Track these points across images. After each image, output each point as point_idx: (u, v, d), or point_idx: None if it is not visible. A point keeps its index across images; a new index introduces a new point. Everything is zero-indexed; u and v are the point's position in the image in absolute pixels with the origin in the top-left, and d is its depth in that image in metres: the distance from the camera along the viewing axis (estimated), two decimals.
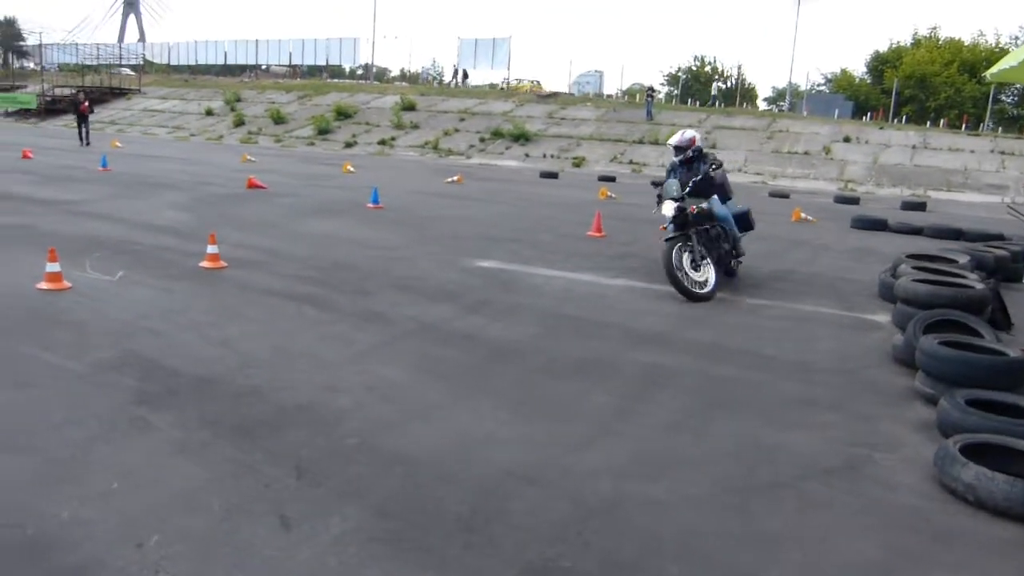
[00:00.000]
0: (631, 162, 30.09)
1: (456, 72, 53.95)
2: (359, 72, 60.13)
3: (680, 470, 3.66)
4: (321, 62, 57.09)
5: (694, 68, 58.91)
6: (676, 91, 53.21)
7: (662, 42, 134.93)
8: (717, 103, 45.34)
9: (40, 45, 66.95)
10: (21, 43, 72.79)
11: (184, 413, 4.02)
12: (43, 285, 6.38)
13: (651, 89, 40.10)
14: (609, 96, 49.24)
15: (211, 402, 4.19)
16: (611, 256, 9.62)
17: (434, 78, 60.86)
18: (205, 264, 7.59)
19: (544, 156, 31.49)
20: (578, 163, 30.05)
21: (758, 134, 32.32)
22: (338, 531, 2.96)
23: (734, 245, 8.17)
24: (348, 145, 35.18)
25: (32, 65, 68.91)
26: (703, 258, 7.51)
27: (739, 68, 56.42)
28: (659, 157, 30.21)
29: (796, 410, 4.57)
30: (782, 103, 51.88)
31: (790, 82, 49.76)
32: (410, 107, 39.66)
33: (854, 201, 20.38)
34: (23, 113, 49.66)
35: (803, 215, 14.92)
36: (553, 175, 24.63)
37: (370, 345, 5.43)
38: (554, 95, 42.91)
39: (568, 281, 7.99)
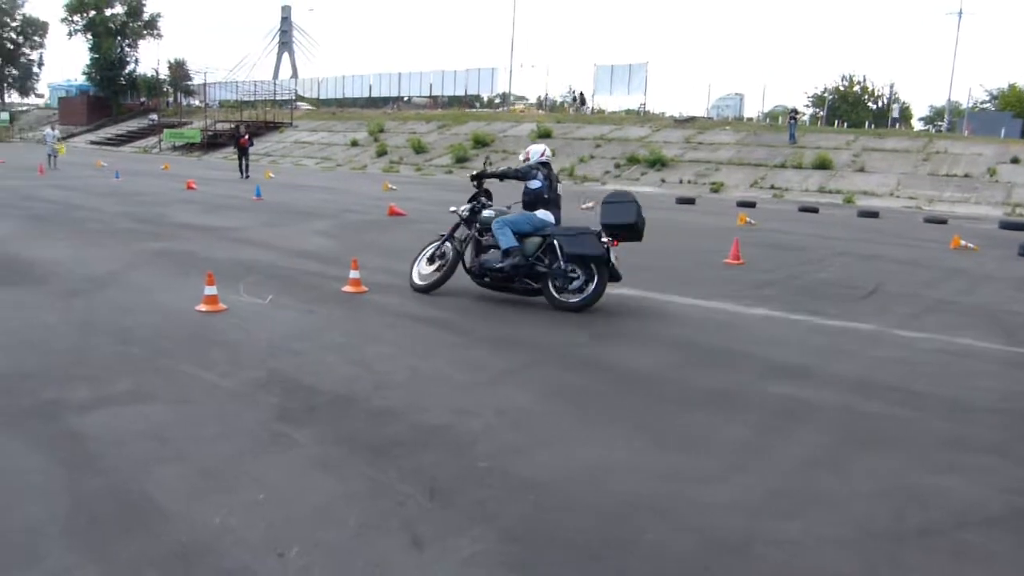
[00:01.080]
0: (772, 187, 29.16)
1: (574, 98, 54.33)
2: (496, 101, 61.48)
3: (819, 510, 3.49)
4: (460, 92, 58.84)
5: (841, 88, 56.67)
6: (822, 112, 51.27)
7: (806, 62, 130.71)
8: (868, 124, 43.32)
9: (204, 84, 72.43)
10: (189, 82, 78.89)
11: (323, 430, 4.21)
12: (202, 307, 6.85)
13: (794, 111, 38.81)
14: (749, 119, 48.09)
15: (349, 420, 4.37)
16: (750, 284, 9.34)
17: (569, 105, 61.34)
18: (347, 288, 7.93)
19: (681, 181, 31.06)
20: (716, 188, 29.43)
21: (912, 156, 30.60)
22: (468, 553, 3.00)
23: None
24: None
25: (197, 102, 74.60)
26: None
27: (891, 87, 53.69)
28: (803, 181, 29.17)
29: (952, 452, 4.26)
30: (940, 123, 49.03)
31: (949, 100, 47.03)
32: (546, 134, 40.14)
33: (1022, 228, 18.88)
34: (189, 147, 53.76)
35: (963, 242, 13.98)
36: (690, 201, 24.21)
37: (502, 370, 5.51)
38: (691, 119, 42.31)
39: (704, 309, 7.82)
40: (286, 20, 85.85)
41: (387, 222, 15.01)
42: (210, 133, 54.63)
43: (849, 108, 53.55)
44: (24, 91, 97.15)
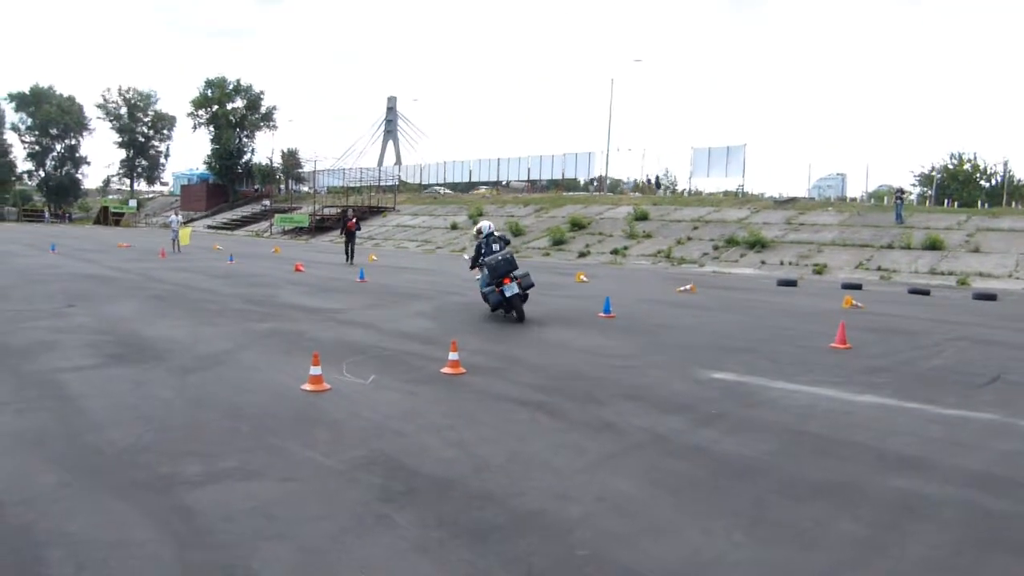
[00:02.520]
0: (879, 268, 28.20)
1: (649, 181, 54.60)
2: (593, 184, 62.27)
3: None
4: (558, 176, 59.91)
5: (950, 166, 54.84)
6: (930, 191, 49.66)
7: (911, 140, 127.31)
8: (981, 203, 41.62)
9: (314, 171, 76.27)
10: (299, 170, 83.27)
11: (423, 512, 4.22)
12: (307, 387, 7.06)
13: (900, 190, 37.74)
14: (853, 199, 46.99)
15: (448, 503, 4.37)
16: (858, 370, 8.97)
17: (666, 187, 61.49)
18: (446, 370, 8.04)
19: (782, 263, 30.43)
20: (819, 270, 28.67)
21: None
22: None
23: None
24: (582, 255, 36.19)
25: (306, 188, 78.50)
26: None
27: (1005, 163, 51.47)
28: (912, 263, 28.12)
29: None
30: None
31: None
32: (643, 217, 40.27)
33: None
34: (297, 231, 56.31)
35: None
36: (792, 283, 23.63)
37: (601, 455, 5.43)
38: (792, 200, 41.69)
39: (809, 396, 7.54)
40: (391, 110, 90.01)
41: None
42: (318, 218, 57.21)
43: (959, 186, 51.60)
44: (151, 180, 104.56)
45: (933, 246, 29.22)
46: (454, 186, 68.49)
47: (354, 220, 29.18)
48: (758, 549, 3.89)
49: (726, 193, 49.29)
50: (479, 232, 13.11)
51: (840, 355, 10.05)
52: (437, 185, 65.58)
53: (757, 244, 32.81)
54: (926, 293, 21.45)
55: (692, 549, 3.85)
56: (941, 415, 6.85)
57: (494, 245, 12.84)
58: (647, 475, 5.00)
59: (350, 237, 28.13)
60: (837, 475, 5.09)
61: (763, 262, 31.05)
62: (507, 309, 12.40)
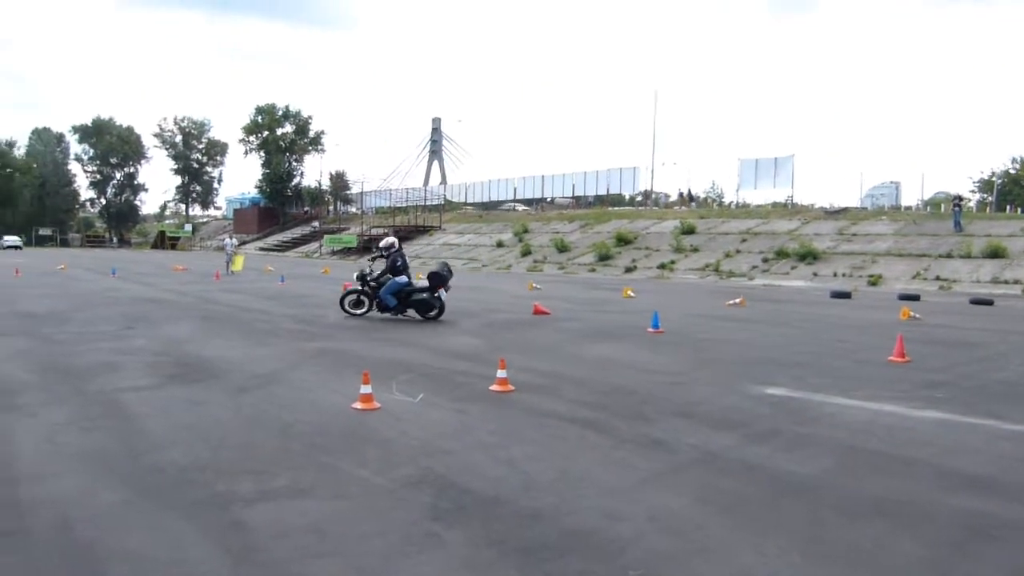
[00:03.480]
0: (938, 278, 27.49)
1: (682, 195, 54.17)
2: (638, 199, 61.97)
3: None
4: (602, 191, 59.76)
5: (1012, 171, 53.30)
6: (990, 198, 48.30)
7: (970, 146, 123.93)
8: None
9: (361, 192, 77.36)
10: (347, 192, 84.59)
11: (473, 531, 4.22)
12: (357, 405, 7.12)
13: (958, 198, 36.77)
14: (908, 208, 45.95)
15: (497, 521, 4.36)
16: (918, 384, 8.73)
17: (711, 199, 60.92)
18: (495, 388, 8.04)
19: (834, 275, 29.87)
20: (874, 281, 28.06)
21: None
22: None
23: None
24: (628, 270, 36.01)
25: (354, 209, 79.65)
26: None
27: None
28: (973, 272, 27.38)
29: None
30: None
31: None
32: (690, 231, 39.93)
33: None
34: (346, 251, 57.11)
35: None
36: (845, 295, 23.17)
37: (651, 472, 5.37)
38: (843, 210, 40.94)
39: (866, 411, 7.36)
40: (436, 131, 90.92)
41: (532, 321, 15.23)
42: (365, 238, 57.97)
43: (1022, 191, 50.12)
44: (205, 204, 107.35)
45: (995, 254, 28.39)
46: (498, 204, 68.71)
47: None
48: (815, 569, 3.79)
49: (775, 205, 48.63)
50: (391, 246, 15.24)
51: (899, 369, 9.80)
52: (510, 201, 65.47)
53: (808, 256, 32.27)
54: (989, 303, 20.82)
55: (746, 569, 3.77)
56: (1009, 431, 6.63)
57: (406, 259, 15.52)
58: (699, 493, 4.92)
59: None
60: (898, 493, 4.94)
61: (815, 274, 30.51)
62: (424, 311, 14.82)
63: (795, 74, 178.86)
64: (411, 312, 15.01)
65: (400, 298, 14.79)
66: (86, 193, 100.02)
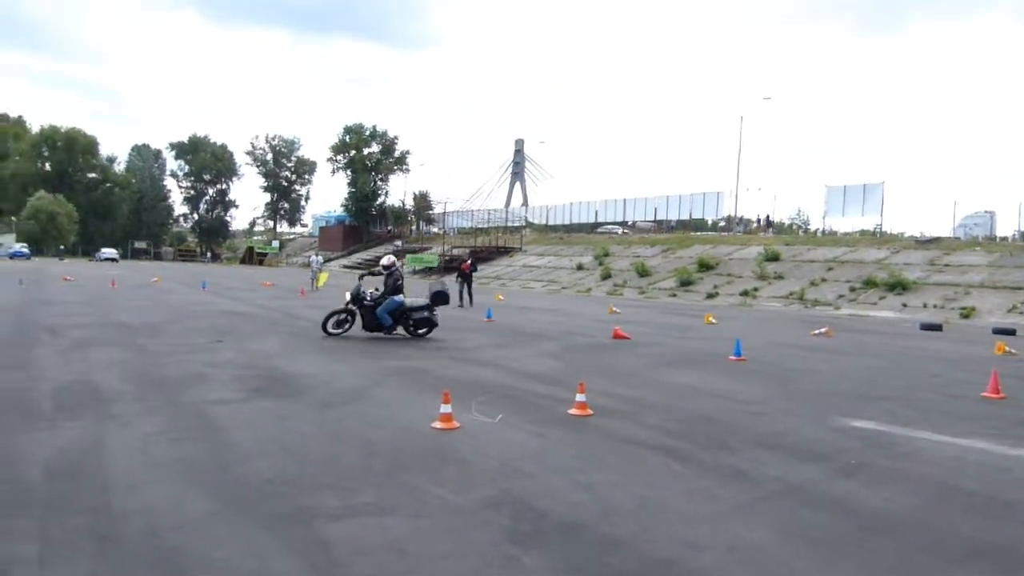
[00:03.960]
0: None
1: (759, 220, 52.85)
2: (721, 224, 61.06)
3: None
4: (685, 216, 59.17)
5: None
6: None
7: None
8: None
9: (444, 212, 78.51)
10: (430, 211, 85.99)
11: (552, 556, 4.22)
12: (437, 424, 7.21)
13: None
14: (1003, 239, 43.94)
15: (577, 547, 4.35)
16: (1014, 421, 8.33)
17: (798, 227, 59.56)
18: (574, 411, 8.02)
19: (924, 306, 28.78)
20: (967, 314, 26.91)
21: None
22: None
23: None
24: (710, 296, 35.46)
25: (436, 229, 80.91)
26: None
27: None
28: None
29: None
30: None
31: None
32: (774, 257, 39.13)
33: None
34: (427, 271, 57.94)
35: None
36: (936, 327, 22.29)
37: (733, 503, 5.27)
38: (935, 240, 39.47)
39: (958, 448, 7.06)
40: (519, 152, 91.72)
41: (611, 345, 15.15)
42: (446, 258, 58.76)
43: None
44: (292, 221, 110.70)
45: None
46: (580, 227, 68.73)
47: (469, 262, 28.14)
48: None
49: (863, 233, 47.26)
50: (392, 264, 15.16)
51: (993, 405, 9.37)
52: (609, 224, 65.27)
53: (897, 286, 31.22)
54: None
55: None
56: None
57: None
58: (782, 526, 4.81)
59: (466, 280, 26.58)
60: (994, 535, 4.73)
61: (904, 305, 29.46)
62: (416, 329, 15.10)
63: (885, 98, 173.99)
64: (399, 329, 15.07)
65: (395, 316, 14.84)
66: (180, 208, 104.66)
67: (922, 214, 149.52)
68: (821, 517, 5.04)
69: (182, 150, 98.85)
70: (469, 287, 26.46)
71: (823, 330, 19.30)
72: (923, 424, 8.07)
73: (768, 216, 54.50)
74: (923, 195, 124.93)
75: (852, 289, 32.65)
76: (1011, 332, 20.78)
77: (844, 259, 37.31)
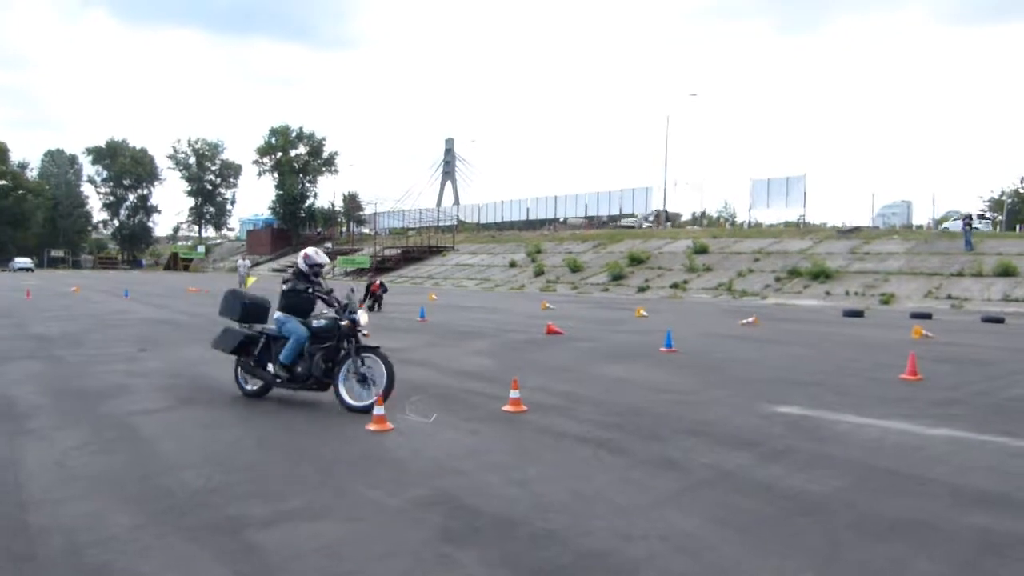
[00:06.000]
0: (949, 297, 27.38)
1: (658, 214, 54.22)
2: (648, 220, 62.04)
3: None
4: (615, 212, 59.90)
5: (1021, 190, 53.13)
6: (1001, 217, 48.10)
7: (980, 165, 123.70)
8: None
9: (374, 213, 77.79)
10: (360, 212, 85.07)
11: (486, 552, 4.21)
12: (371, 426, 7.13)
13: (969, 217, 36.72)
14: (919, 227, 45.77)
15: (511, 542, 4.35)
16: (930, 402, 8.68)
17: (726, 219, 60.94)
18: (508, 408, 8.03)
19: (847, 294, 29.79)
20: (886, 300, 27.96)
21: None
22: None
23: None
24: (641, 290, 35.98)
25: (367, 230, 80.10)
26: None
27: None
28: (984, 290, 27.23)
29: None
30: None
31: None
32: (703, 250, 39.94)
33: None
34: (359, 272, 57.34)
35: None
36: (858, 313, 23.11)
37: (666, 492, 5.35)
38: (856, 229, 40.86)
39: (879, 429, 7.32)
40: (449, 151, 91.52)
41: (545, 341, 15.22)
42: (378, 259, 58.23)
43: None
44: (218, 226, 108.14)
45: (1006, 272, 28.28)
46: (512, 224, 68.90)
47: (379, 282, 25.72)
48: None
49: (787, 224, 48.60)
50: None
51: (911, 387, 9.75)
52: (574, 218, 64.98)
53: (821, 275, 32.22)
54: (1000, 321, 20.72)
55: None
56: (1021, 448, 6.59)
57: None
58: (714, 513, 4.90)
59: (376, 300, 24.12)
60: (912, 512, 4.91)
61: (827, 293, 30.41)
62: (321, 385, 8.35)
63: (807, 94, 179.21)
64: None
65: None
66: (99, 215, 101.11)
67: (843, 205, 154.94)
68: (750, 502, 5.15)
69: (99, 155, 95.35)
70: (379, 306, 24.10)
71: (750, 319, 19.77)
72: (846, 407, 8.34)
73: (666, 210, 55.71)
74: (843, 186, 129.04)
75: (778, 279, 33.57)
76: (927, 316, 21.66)
77: (770, 250, 38.32)
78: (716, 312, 24.57)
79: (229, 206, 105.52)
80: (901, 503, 5.10)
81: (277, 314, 8.55)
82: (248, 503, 5.00)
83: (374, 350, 8.08)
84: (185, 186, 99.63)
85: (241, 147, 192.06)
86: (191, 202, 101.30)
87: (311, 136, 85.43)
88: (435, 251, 59.73)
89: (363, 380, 8.03)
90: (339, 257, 63.14)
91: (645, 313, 22.36)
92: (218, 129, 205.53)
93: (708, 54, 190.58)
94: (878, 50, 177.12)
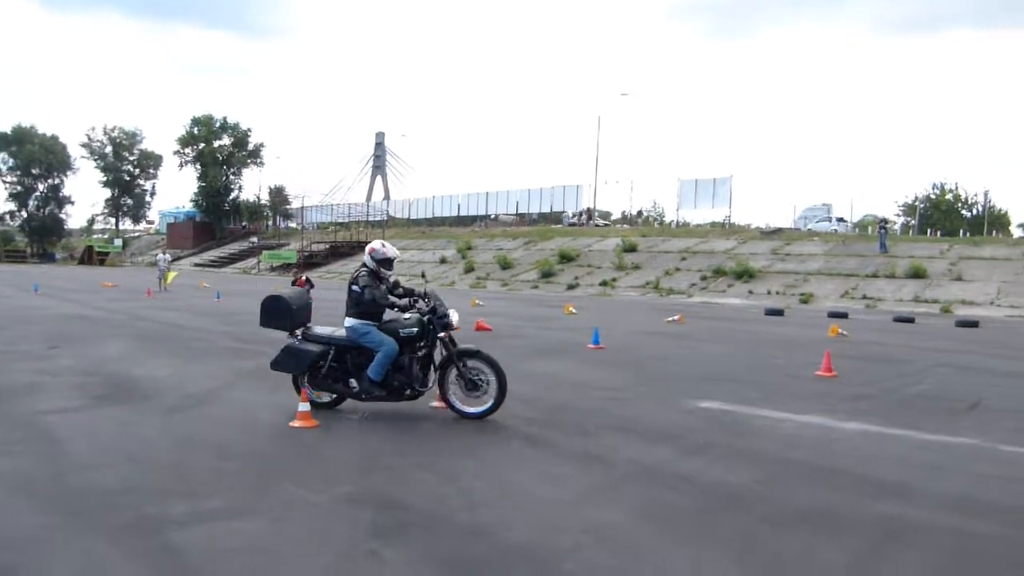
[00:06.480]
0: (864, 297, 28.46)
1: (581, 214, 55.21)
2: (579, 217, 62.60)
3: None
4: (546, 209, 60.21)
5: (932, 196, 55.54)
6: (913, 221, 50.17)
7: (895, 171, 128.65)
8: (963, 232, 42.06)
9: (302, 208, 76.37)
10: (287, 206, 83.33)
11: (414, 548, 4.22)
12: (296, 423, 7.04)
13: (884, 220, 38.24)
14: (837, 229, 47.35)
15: (439, 538, 4.37)
16: (843, 397, 9.03)
17: (654, 219, 61.97)
18: (436, 404, 8.00)
19: (769, 293, 30.65)
20: (806, 299, 28.89)
21: (1013, 264, 29.58)
22: None
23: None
24: (571, 287, 36.29)
25: (294, 225, 78.58)
26: None
27: (986, 194, 51.99)
28: (897, 291, 28.39)
29: None
30: None
31: None
32: (631, 248, 40.52)
33: None
34: (286, 267, 56.28)
35: None
36: (779, 312, 23.81)
37: (590, 486, 5.44)
38: (778, 231, 42.06)
39: (795, 424, 7.59)
40: (380, 145, 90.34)
41: (474, 337, 15.22)
42: (306, 254, 57.27)
43: (942, 216, 52.18)
44: (137, 219, 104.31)
45: (917, 275, 29.54)
46: (443, 220, 68.60)
47: (304, 277, 26.04)
48: None
49: (713, 224, 49.66)
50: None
51: (826, 383, 10.11)
52: (506, 215, 64.25)
53: (744, 274, 33.06)
54: (910, 321, 21.64)
55: None
56: (924, 440, 6.92)
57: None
58: (636, 506, 5.01)
59: None
60: (822, 502, 5.12)
61: (750, 292, 31.25)
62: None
63: (734, 98, 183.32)
64: None
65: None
66: (5, 205, 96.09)
67: (767, 206, 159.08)
68: (671, 495, 5.28)
69: (5, 141, 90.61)
70: None
71: (676, 317, 20.17)
72: (764, 403, 8.61)
73: (590, 210, 56.55)
74: (768, 188, 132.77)
75: (703, 278, 34.32)
76: (844, 315, 22.46)
77: (696, 249, 39.13)
78: (643, 310, 24.99)
79: (148, 198, 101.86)
80: (813, 494, 5.31)
81: (351, 321, 7.65)
82: (167, 502, 4.88)
83: (476, 354, 7.48)
84: (101, 176, 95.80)
85: (162, 137, 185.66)
86: (107, 193, 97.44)
87: (235, 127, 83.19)
88: (365, 246, 59.04)
89: (473, 386, 7.38)
90: (264, 252, 61.88)
91: (574, 310, 22.58)
92: (137, 118, 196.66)
93: (640, 55, 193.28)
94: (804, 58, 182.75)
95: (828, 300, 28.43)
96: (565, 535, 4.45)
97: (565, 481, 5.56)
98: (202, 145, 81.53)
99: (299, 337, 7.86)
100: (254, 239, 73.23)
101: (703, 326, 18.96)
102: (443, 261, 47.51)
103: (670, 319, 19.96)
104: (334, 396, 7.79)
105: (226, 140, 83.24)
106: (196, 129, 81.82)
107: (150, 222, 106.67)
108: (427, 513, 4.79)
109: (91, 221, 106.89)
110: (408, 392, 7.49)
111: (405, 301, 7.75)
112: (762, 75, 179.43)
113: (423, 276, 7.92)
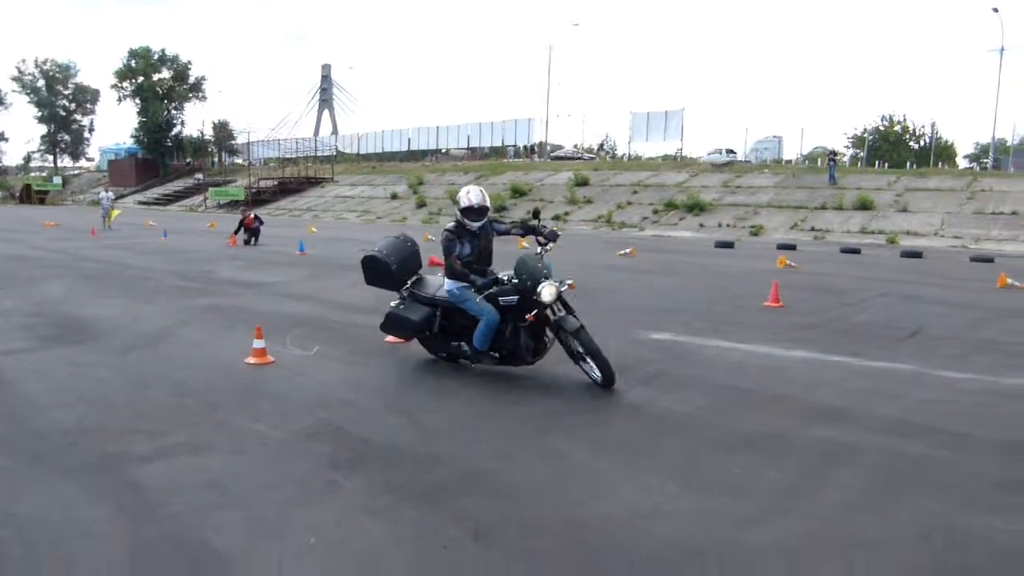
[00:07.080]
0: (813, 229, 29.05)
1: (526, 147, 55.41)
2: (530, 150, 62.28)
3: (859, 552, 3.51)
4: (498, 143, 59.68)
5: (881, 128, 56.36)
6: (862, 153, 50.97)
7: (844, 103, 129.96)
8: (910, 164, 42.90)
9: (248, 143, 74.48)
10: (232, 142, 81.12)
11: (372, 478, 4.34)
12: (250, 360, 7.07)
13: (833, 152, 38.82)
14: (788, 162, 47.97)
15: (396, 468, 4.50)
16: (789, 327, 9.33)
17: (607, 152, 61.92)
18: (391, 339, 8.09)
19: (720, 226, 31.08)
20: (756, 232, 29.38)
21: (957, 195, 30.36)
22: None
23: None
24: None
25: (240, 161, 76.75)
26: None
27: (933, 125, 52.92)
28: (844, 223, 29.01)
29: (996, 494, 4.22)
30: (985, 160, 48.34)
31: (994, 137, 46.16)
32: (583, 182, 40.55)
33: None
34: (233, 204, 55.13)
35: (1010, 281, 13.77)
36: (729, 245, 24.22)
37: (543, 414, 5.60)
38: (729, 163, 42.40)
39: (742, 353, 7.85)
40: (326, 79, 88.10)
41: (426, 272, 15.24)
42: (253, 190, 56.15)
43: (890, 148, 53.11)
44: (75, 156, 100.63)
45: (864, 206, 30.17)
46: (393, 155, 67.60)
47: (253, 215, 24.33)
48: (691, 500, 4.11)
49: (665, 157, 49.84)
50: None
51: (773, 313, 10.42)
52: (456, 149, 62.99)
53: (696, 207, 33.41)
54: (857, 252, 22.21)
55: (629, 502, 4.05)
56: (865, 367, 7.22)
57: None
58: (588, 434, 5.19)
59: (253, 235, 23.27)
60: (766, 427, 5.35)
61: (701, 225, 31.65)
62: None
63: (686, 29, 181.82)
64: None
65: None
66: None
67: (719, 139, 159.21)
68: (621, 423, 5.48)
69: None
70: (256, 240, 23.24)
71: (628, 251, 20.42)
72: (713, 333, 8.86)
73: (536, 144, 56.68)
74: (719, 120, 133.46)
75: (655, 211, 34.61)
76: (792, 247, 22.97)
77: (648, 183, 39.34)
78: (595, 243, 25.20)
79: (87, 134, 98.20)
80: (757, 419, 5.55)
81: (449, 284, 6.83)
82: (127, 440, 4.92)
83: (575, 332, 6.24)
84: (35, 112, 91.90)
85: (98, 71, 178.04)
86: (43, 129, 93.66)
87: (175, 59, 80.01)
88: (314, 183, 58.01)
89: (580, 357, 6.41)
90: (211, 189, 60.42)
91: (526, 245, 22.68)
92: (71, 51, 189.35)
93: None
94: None
95: (778, 232, 28.96)
96: (520, 462, 4.61)
97: (520, 412, 5.72)
98: (141, 79, 78.44)
99: (405, 296, 7.29)
100: (199, 176, 71.29)
101: (654, 259, 19.24)
102: (394, 197, 47.03)
103: (622, 252, 20.20)
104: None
105: (166, 73, 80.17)
106: (134, 62, 78.55)
107: (90, 159, 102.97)
108: (385, 444, 4.91)
109: (27, 159, 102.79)
110: (518, 360, 6.68)
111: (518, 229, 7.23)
112: (714, 6, 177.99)
113: (536, 215, 7.32)
